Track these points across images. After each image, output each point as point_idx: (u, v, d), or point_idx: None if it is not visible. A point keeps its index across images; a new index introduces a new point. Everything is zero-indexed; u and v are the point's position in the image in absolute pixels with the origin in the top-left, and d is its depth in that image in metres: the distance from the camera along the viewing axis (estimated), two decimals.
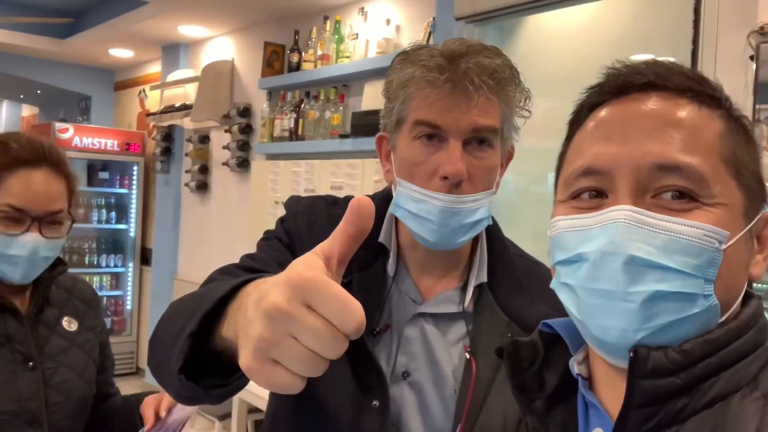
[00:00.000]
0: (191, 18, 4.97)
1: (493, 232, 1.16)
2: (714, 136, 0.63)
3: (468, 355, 1.06)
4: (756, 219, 0.65)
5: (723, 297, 0.61)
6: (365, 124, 3.68)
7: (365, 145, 3.65)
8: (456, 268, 1.13)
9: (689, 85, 0.66)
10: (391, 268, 1.11)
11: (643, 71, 0.67)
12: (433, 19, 3.52)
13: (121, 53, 6.30)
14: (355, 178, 3.77)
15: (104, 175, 6.45)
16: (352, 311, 0.48)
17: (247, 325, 0.53)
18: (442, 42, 1.06)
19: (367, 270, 1.09)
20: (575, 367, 0.70)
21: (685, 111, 0.64)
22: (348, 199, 1.20)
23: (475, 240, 1.13)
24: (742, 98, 2.20)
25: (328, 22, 4.14)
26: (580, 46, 3.08)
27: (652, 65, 0.67)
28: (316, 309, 0.49)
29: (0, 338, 1.37)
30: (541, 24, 3.24)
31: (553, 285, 0.69)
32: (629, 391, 0.60)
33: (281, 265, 1.01)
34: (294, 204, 1.19)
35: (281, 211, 1.19)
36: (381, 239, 1.12)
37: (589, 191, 0.65)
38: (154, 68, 6.36)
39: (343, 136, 3.89)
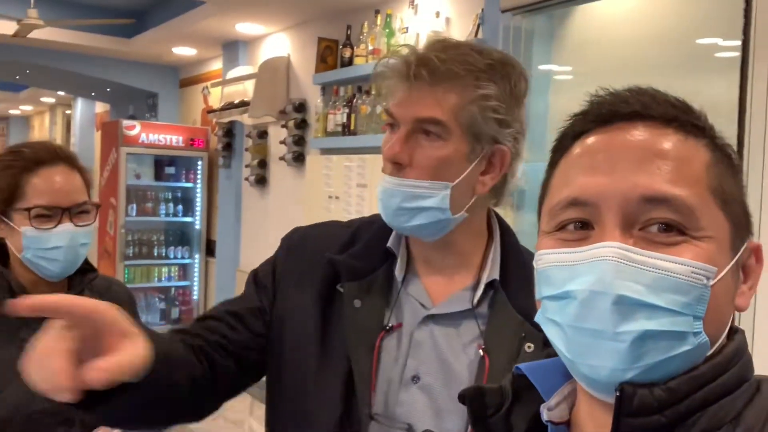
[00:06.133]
0: (248, 16, 5.06)
1: (506, 230, 1.16)
2: (701, 167, 0.62)
3: (482, 352, 1.05)
4: (741, 249, 0.63)
5: (711, 332, 0.60)
6: None
7: None
8: (465, 266, 1.13)
9: (675, 114, 0.63)
10: (398, 272, 1.12)
11: (629, 100, 0.65)
12: (482, 11, 3.48)
13: (184, 51, 6.47)
14: None
15: (171, 170, 6.65)
16: None
17: None
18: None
19: (367, 278, 1.11)
20: (545, 414, 0.69)
21: (672, 141, 0.62)
22: (355, 221, 1.24)
23: (489, 237, 1.14)
24: None
25: (379, 17, 4.14)
26: (633, 34, 2.98)
27: (637, 93, 0.65)
28: None
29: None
30: (593, 12, 3.14)
31: (538, 319, 0.68)
32: (615, 429, 0.59)
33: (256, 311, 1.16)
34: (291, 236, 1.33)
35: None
36: (389, 244, 1.14)
37: (575, 222, 0.64)
38: (216, 65, 6.50)
39: None
